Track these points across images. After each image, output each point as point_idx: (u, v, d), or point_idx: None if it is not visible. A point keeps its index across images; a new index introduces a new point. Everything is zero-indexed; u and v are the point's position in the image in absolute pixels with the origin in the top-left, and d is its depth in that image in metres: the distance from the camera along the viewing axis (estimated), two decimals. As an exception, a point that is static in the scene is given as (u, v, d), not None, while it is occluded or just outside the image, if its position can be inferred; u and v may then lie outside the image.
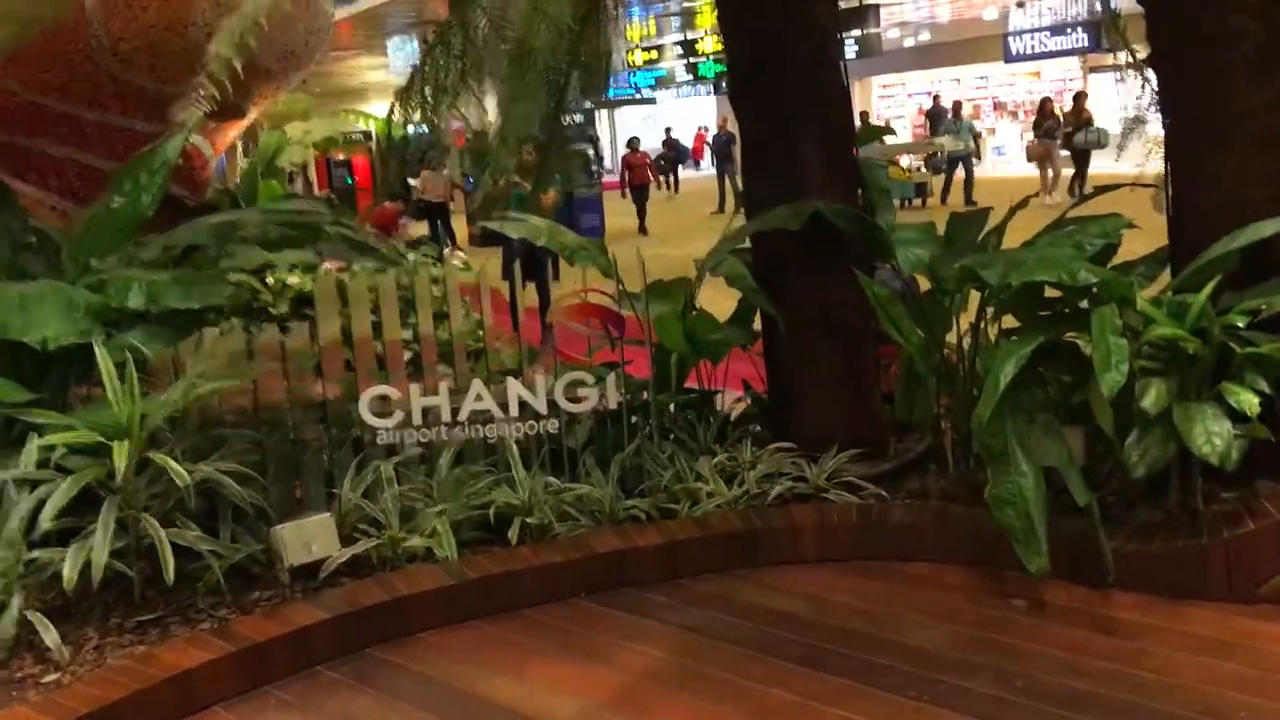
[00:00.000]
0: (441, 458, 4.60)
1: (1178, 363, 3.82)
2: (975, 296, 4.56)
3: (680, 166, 28.96)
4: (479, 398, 4.66)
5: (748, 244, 5.07)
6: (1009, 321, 4.47)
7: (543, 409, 4.68)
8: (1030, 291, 4.19)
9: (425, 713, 3.53)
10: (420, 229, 16.84)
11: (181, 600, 3.98)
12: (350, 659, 3.86)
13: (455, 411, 4.65)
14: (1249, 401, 3.64)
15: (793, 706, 3.41)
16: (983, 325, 4.62)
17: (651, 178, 21.89)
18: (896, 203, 8.58)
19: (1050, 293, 4.22)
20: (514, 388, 4.66)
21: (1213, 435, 3.63)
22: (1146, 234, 4.49)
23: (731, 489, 4.61)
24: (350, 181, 23.01)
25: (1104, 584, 3.90)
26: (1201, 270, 3.93)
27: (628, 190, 20.36)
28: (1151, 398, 3.73)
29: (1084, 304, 4.08)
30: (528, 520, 4.36)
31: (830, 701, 3.40)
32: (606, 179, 23.39)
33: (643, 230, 18.87)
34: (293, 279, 9.28)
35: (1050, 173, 18.12)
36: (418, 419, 4.65)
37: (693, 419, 5.08)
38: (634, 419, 4.81)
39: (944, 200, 19.03)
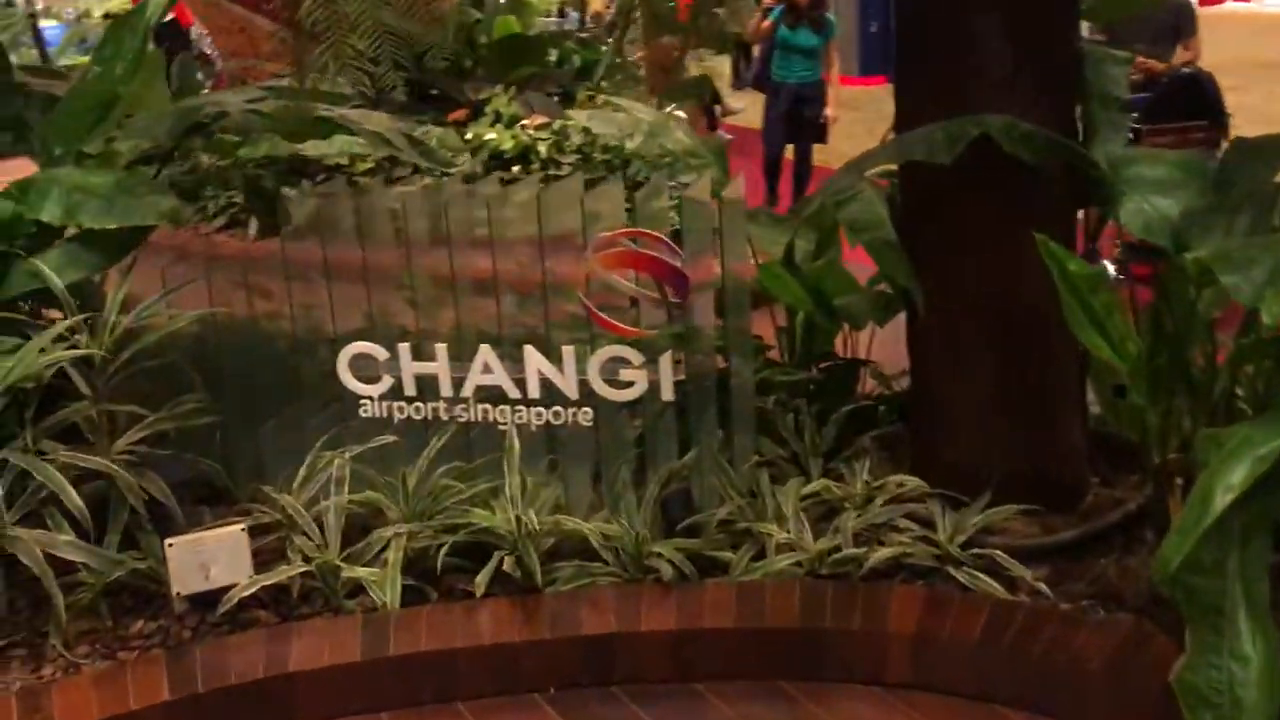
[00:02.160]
0: (429, 447, 3.35)
1: None
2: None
3: None
4: (487, 369, 3.35)
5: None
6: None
7: (572, 392, 3.31)
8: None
9: None
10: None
11: (45, 625, 3.02)
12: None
13: (458, 384, 3.37)
14: None
15: None
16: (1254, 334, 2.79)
17: None
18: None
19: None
20: (533, 359, 3.30)
21: None
22: None
23: (819, 540, 3.10)
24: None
25: None
26: None
27: None
28: None
29: None
30: (509, 558, 3.06)
31: None
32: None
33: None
34: (491, 134, 8.25)
35: None
36: (410, 388, 3.41)
37: (803, 412, 3.55)
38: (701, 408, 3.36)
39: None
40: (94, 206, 3.27)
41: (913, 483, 3.20)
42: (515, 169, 7.75)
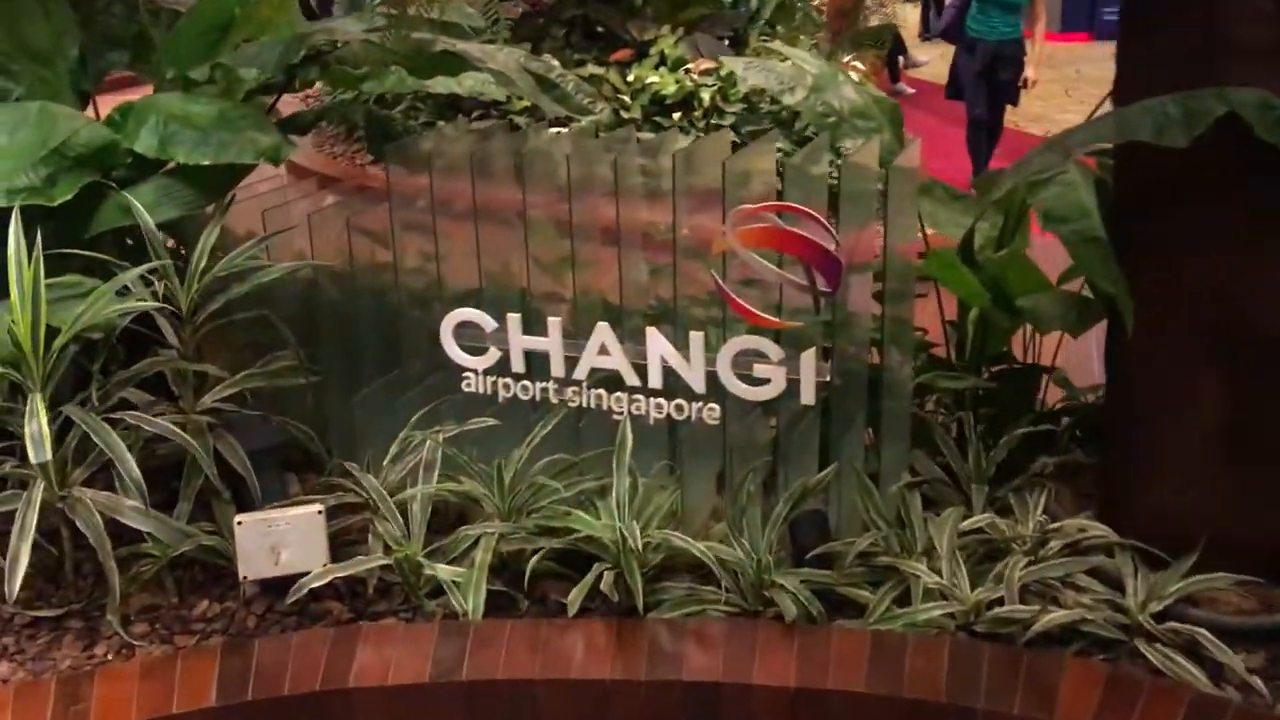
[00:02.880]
0: (532, 433, 2.95)
1: None
2: None
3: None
4: (604, 350, 2.91)
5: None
6: None
7: (697, 385, 2.85)
8: None
9: None
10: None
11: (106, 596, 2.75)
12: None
13: (571, 364, 2.95)
14: None
15: None
16: None
17: None
18: None
19: None
20: (656, 343, 2.84)
21: None
22: None
23: (978, 589, 2.58)
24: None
25: None
26: None
27: None
28: None
29: None
30: (609, 573, 2.63)
31: None
32: None
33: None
34: (653, 77, 7.76)
35: None
36: (517, 364, 3.00)
37: (968, 426, 3.01)
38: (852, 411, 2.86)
39: None
40: (189, 139, 2.95)
41: (1098, 530, 2.64)
42: (676, 116, 7.26)
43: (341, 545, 2.88)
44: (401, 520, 2.77)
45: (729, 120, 7.12)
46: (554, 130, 6.21)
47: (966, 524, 2.72)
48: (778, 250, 2.71)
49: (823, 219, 2.65)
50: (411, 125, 7.90)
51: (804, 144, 7.01)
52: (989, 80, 7.33)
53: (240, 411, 3.02)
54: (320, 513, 2.73)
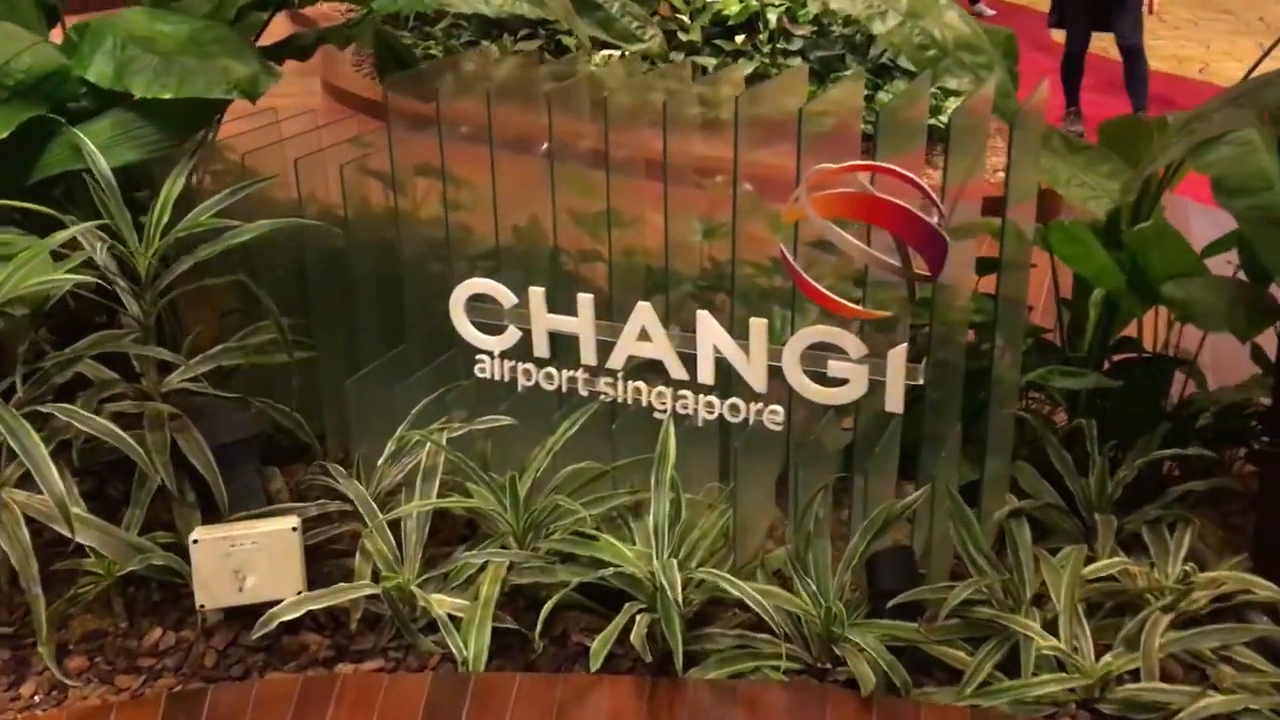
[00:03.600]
0: (557, 434, 2.43)
1: None
2: None
3: None
4: (644, 335, 2.36)
5: None
6: None
7: (757, 382, 2.29)
8: None
9: None
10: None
11: (49, 617, 2.29)
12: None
13: (605, 350, 2.41)
14: None
15: None
16: None
17: None
18: None
19: None
20: (709, 330, 2.29)
21: None
22: None
23: (1106, 657, 2.04)
24: None
25: None
26: None
27: None
28: None
29: None
30: (641, 619, 2.12)
31: None
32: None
33: None
34: (716, -8, 7.05)
35: None
36: (541, 347, 2.46)
37: (1093, 440, 2.44)
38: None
39: None
40: (149, 66, 2.42)
41: (1266, 588, 2.08)
42: (739, 39, 6.60)
43: (326, 559, 2.41)
44: (394, 540, 2.27)
45: (796, 44, 6.45)
46: (605, 53, 5.58)
47: (1091, 569, 2.16)
48: (865, 221, 2.14)
49: (926, 185, 2.07)
50: (454, 45, 7.33)
51: (880, 74, 6.35)
52: (1102, 5, 6.45)
53: (213, 395, 2.52)
54: (295, 529, 2.24)
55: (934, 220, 2.07)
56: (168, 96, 2.38)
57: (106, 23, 2.56)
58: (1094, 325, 2.64)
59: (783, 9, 6.50)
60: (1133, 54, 6.49)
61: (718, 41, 6.68)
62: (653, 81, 2.61)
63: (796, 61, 6.27)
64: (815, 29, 6.48)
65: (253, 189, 2.49)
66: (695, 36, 6.73)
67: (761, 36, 6.49)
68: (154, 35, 2.52)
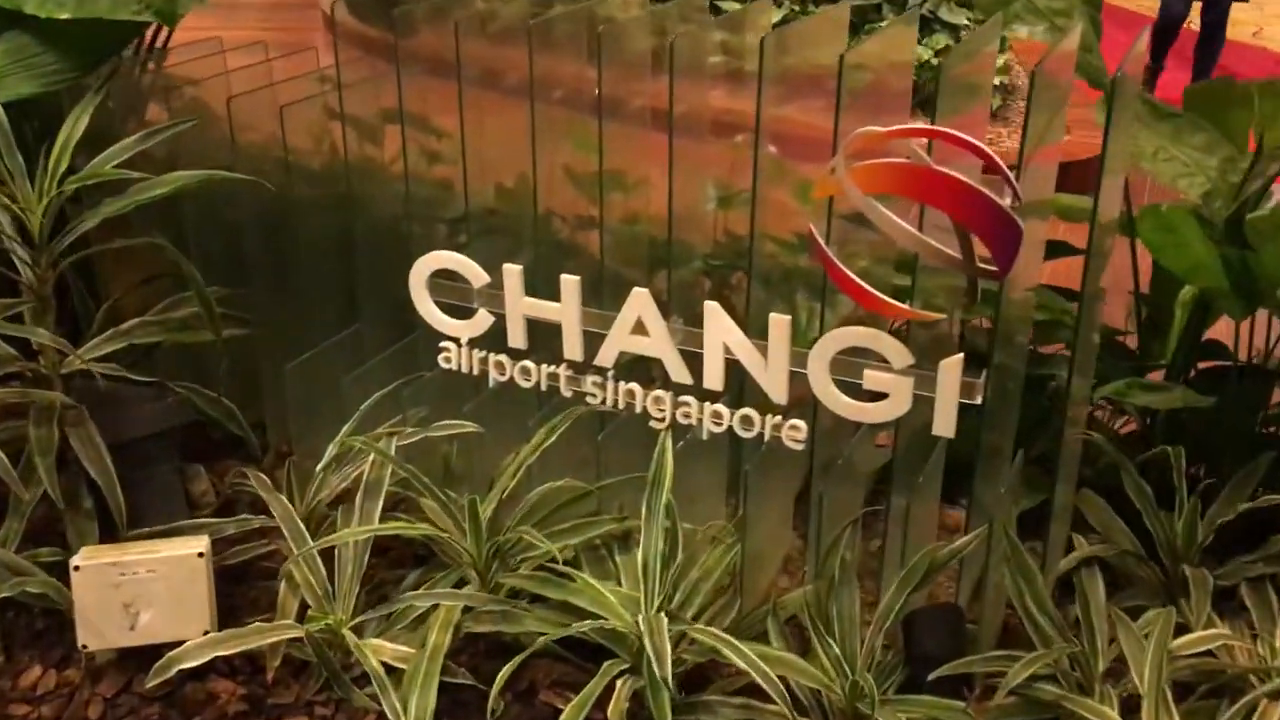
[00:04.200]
0: (530, 445, 2.00)
1: None
2: None
3: None
4: (640, 327, 1.92)
5: None
6: None
7: (776, 391, 1.85)
8: None
9: None
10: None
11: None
12: None
13: (593, 343, 1.97)
14: None
15: None
16: None
17: None
18: None
19: None
20: (718, 325, 1.85)
21: None
22: None
23: (1197, 752, 1.63)
24: None
25: None
26: None
27: None
28: None
29: None
30: (625, 680, 1.71)
31: None
32: None
33: None
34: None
35: None
36: (517, 337, 2.02)
37: (1179, 471, 2.00)
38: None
39: None
40: (39, -25, 1.98)
41: (1407, 680, 1.65)
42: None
43: (251, 582, 2.00)
44: (325, 572, 1.86)
45: (829, -10, 5.93)
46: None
47: (1182, 643, 1.74)
48: (918, 200, 1.69)
49: (993, 155, 1.62)
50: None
51: (924, 26, 5.84)
52: None
53: (124, 379, 2.10)
54: (203, 555, 1.82)
55: (1006, 202, 1.62)
56: (65, 16, 1.94)
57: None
58: (1179, 328, 2.20)
59: (816, -54, 5.98)
60: (1216, 27, 6.00)
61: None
62: (668, 18, 2.16)
63: (830, 10, 5.77)
64: (850, -30, 5.96)
65: (170, 133, 2.04)
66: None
67: (793, -25, 5.98)
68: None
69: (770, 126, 1.77)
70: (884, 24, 5.76)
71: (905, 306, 1.73)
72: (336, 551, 1.87)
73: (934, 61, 5.47)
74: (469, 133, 2.04)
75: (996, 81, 5.54)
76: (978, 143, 1.60)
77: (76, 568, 1.78)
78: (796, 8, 5.89)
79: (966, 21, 5.94)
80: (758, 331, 1.81)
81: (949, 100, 1.68)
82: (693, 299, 1.94)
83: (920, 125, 1.69)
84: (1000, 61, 5.57)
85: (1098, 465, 2.16)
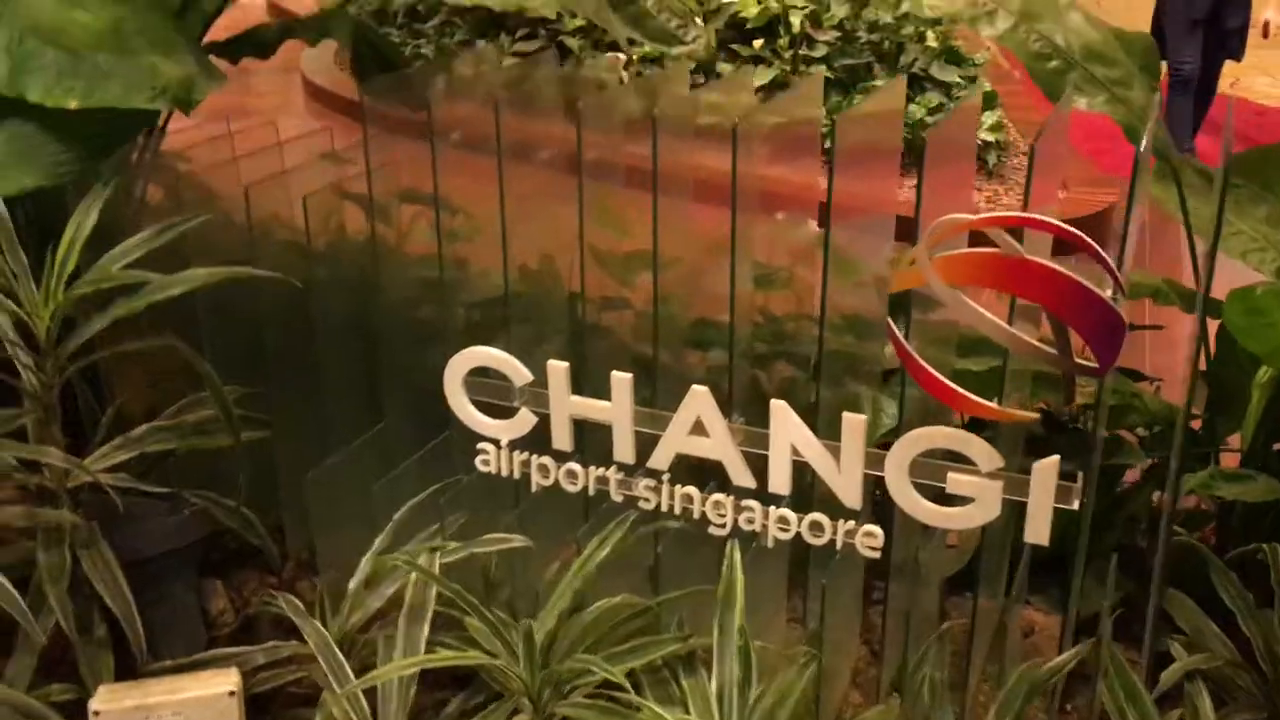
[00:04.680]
0: (584, 556, 1.84)
1: None
2: None
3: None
4: (699, 428, 1.77)
5: None
6: None
7: (850, 496, 1.71)
8: None
9: None
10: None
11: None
12: None
13: (646, 445, 1.82)
14: None
15: None
16: None
17: None
18: None
19: None
20: (785, 424, 1.70)
21: None
22: None
23: None
24: None
25: None
26: None
27: None
28: None
29: None
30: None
31: None
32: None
33: None
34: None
35: None
36: (562, 439, 1.87)
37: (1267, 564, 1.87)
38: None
39: None
40: (52, 65, 1.83)
41: None
42: (757, 44, 6.03)
43: (280, 710, 1.83)
44: (367, 707, 1.69)
45: (820, 51, 5.89)
46: (612, 55, 5.02)
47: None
48: (1010, 293, 1.57)
49: (1095, 245, 1.50)
50: (446, 45, 6.74)
51: (911, 85, 5.77)
52: (1214, 25, 5.70)
53: (136, 491, 1.93)
54: (234, 693, 1.65)
55: (1108, 295, 1.50)
56: (73, 105, 1.79)
57: (3, 7, 1.96)
58: (1256, 412, 2.08)
59: (806, 12, 5.93)
60: (1212, 82, 6.02)
61: (734, 46, 6.12)
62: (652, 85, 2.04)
63: (820, 70, 5.71)
64: (840, 35, 5.92)
65: (181, 230, 1.90)
66: (709, 38, 6.17)
67: (782, 42, 5.93)
68: (64, 25, 1.92)
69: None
70: (876, 83, 5.72)
71: (995, 406, 1.60)
72: (377, 691, 1.70)
73: (928, 120, 5.42)
74: (492, 212, 1.90)
75: (992, 139, 5.48)
76: (1076, 232, 1.48)
77: (97, 713, 1.60)
78: (787, 68, 5.84)
79: (959, 79, 5.90)
80: (827, 432, 1.67)
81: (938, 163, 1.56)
82: (749, 394, 1.81)
83: (1002, 212, 1.57)
84: (993, 120, 5.52)
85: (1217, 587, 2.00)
